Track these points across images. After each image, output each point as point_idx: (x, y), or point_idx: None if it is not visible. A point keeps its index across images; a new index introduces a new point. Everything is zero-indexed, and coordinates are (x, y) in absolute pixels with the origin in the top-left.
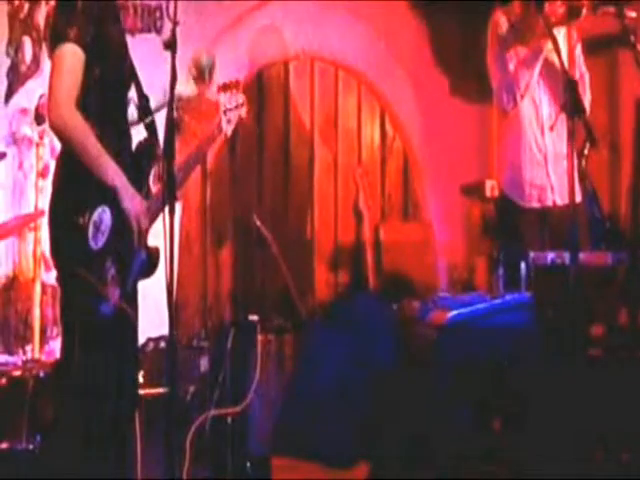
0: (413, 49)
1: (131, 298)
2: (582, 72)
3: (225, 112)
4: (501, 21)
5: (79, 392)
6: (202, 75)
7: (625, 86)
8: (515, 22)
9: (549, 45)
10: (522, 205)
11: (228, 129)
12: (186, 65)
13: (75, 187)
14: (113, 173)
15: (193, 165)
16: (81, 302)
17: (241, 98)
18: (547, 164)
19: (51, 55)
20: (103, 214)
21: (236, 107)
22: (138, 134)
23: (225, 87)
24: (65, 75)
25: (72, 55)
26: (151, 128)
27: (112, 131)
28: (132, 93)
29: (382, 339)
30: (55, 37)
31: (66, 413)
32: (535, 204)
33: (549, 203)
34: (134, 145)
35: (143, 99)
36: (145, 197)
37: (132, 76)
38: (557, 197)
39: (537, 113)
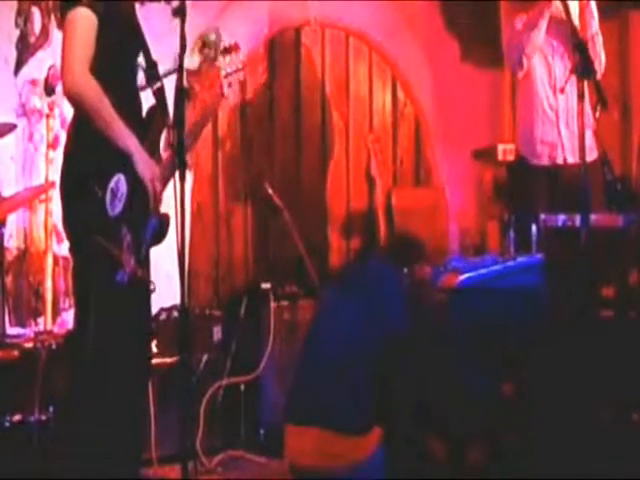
0: (424, 14)
1: (144, 265)
2: (593, 33)
3: (226, 76)
4: None
5: (92, 362)
6: (208, 48)
7: (636, 49)
8: None
9: (559, 5)
10: (534, 163)
11: (230, 93)
12: (194, 34)
13: (87, 155)
14: (127, 137)
15: (199, 130)
16: (96, 271)
17: (241, 62)
18: (559, 122)
19: (61, 24)
20: (119, 181)
21: (236, 71)
22: (147, 101)
23: (225, 51)
24: (78, 39)
25: (85, 19)
26: (160, 95)
27: (123, 97)
28: (140, 59)
29: (394, 304)
30: (67, 2)
31: (79, 383)
32: (545, 161)
33: (559, 161)
34: (144, 111)
35: (151, 65)
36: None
37: (141, 42)
38: (568, 155)
39: (549, 72)
